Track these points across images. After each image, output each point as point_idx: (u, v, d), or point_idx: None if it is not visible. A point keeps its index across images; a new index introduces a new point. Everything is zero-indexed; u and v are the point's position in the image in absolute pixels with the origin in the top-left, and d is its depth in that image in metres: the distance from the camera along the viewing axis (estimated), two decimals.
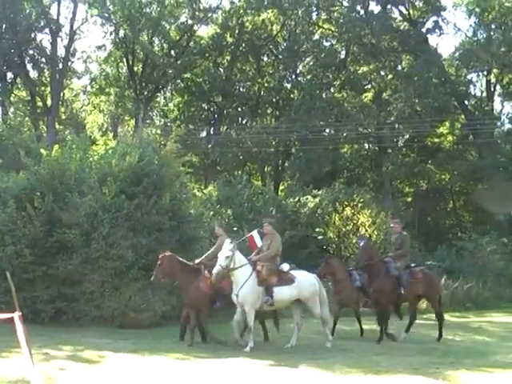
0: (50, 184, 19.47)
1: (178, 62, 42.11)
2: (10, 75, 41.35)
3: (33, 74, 41.42)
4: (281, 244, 15.47)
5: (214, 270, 14.67)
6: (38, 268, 18.11)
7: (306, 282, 15.23)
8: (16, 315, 8.20)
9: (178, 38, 42.85)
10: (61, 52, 40.09)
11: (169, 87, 45.11)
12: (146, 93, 42.45)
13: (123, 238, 18.29)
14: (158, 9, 40.65)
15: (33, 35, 40.00)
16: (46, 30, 40.06)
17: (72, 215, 18.71)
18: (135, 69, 42.67)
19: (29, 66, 40.62)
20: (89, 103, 45.99)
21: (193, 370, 11.98)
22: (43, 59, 40.31)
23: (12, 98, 40.06)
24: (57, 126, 39.12)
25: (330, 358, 13.30)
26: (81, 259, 18.18)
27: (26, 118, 30.52)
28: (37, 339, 7.10)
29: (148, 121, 41.36)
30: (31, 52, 40.23)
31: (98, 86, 43.81)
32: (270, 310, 15.37)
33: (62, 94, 41.17)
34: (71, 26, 39.61)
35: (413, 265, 17.15)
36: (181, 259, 15.90)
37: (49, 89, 40.71)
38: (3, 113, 35.58)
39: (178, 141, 22.49)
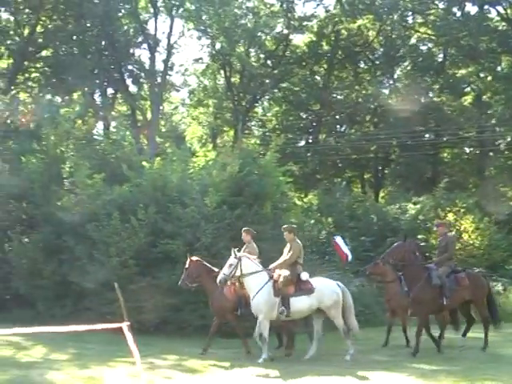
0: (152, 196, 19.80)
1: (275, 71, 42.26)
2: (110, 91, 42.36)
3: (132, 88, 42.28)
4: (301, 251, 14.92)
5: (218, 278, 14.54)
6: (143, 278, 18.38)
7: (327, 290, 14.64)
8: (124, 325, 8.27)
9: (274, 47, 43.01)
10: (159, 66, 40.79)
11: (266, 97, 45.28)
12: (244, 103, 42.75)
13: (225, 248, 18.36)
14: (254, 20, 40.89)
15: (131, 51, 40.81)
16: (144, 46, 40.82)
17: (175, 226, 18.94)
18: (232, 80, 43.03)
19: (128, 81, 41.46)
20: (188, 115, 46.63)
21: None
22: (142, 74, 41.03)
23: (113, 113, 40.94)
24: (157, 139, 39.77)
25: (435, 367, 12.97)
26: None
27: (127, 132, 30.96)
28: (142, 348, 7.20)
29: (247, 131, 41.57)
30: (130, 67, 41.01)
31: (196, 99, 44.41)
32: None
33: (161, 108, 41.87)
34: (168, 41, 40.23)
35: (459, 269, 15.97)
36: (207, 265, 15.70)
37: (148, 103, 41.44)
38: (105, 127, 36.35)
39: (277, 150, 22.43)
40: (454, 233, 16.73)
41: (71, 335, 15.37)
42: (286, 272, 14.45)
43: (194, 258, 15.86)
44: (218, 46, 41.65)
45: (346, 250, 20.99)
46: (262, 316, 14.33)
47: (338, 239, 20.36)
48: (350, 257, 21.06)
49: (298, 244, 14.86)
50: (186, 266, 15.68)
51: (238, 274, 14.47)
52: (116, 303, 15.33)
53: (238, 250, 14.89)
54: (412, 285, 15.09)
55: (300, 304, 14.39)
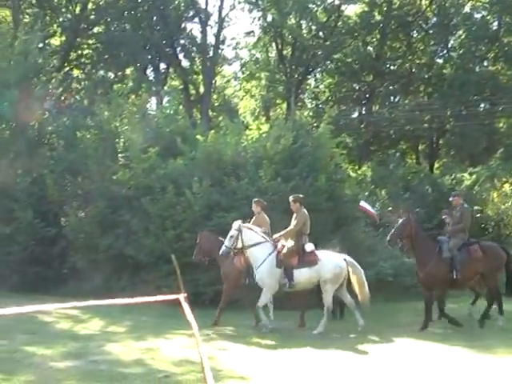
0: (207, 169, 19.86)
1: (327, 43, 41.85)
2: (162, 66, 42.48)
3: (185, 63, 42.32)
4: (307, 221, 14.62)
5: (220, 251, 14.57)
6: None
7: (329, 263, 14.28)
8: (181, 296, 8.27)
9: (325, 19, 42.57)
10: (211, 40, 40.75)
11: (319, 69, 44.90)
12: (296, 76, 42.49)
13: (280, 220, 18.32)
14: None
15: (183, 25, 40.83)
16: (196, 20, 40.82)
17: (229, 199, 18.96)
18: (284, 52, 42.77)
19: (180, 56, 41.53)
20: (240, 89, 46.52)
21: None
22: (194, 48, 41.05)
23: (166, 88, 41.06)
24: (210, 113, 39.83)
25: (488, 340, 12.73)
26: None
27: (180, 107, 31.08)
28: (198, 321, 7.24)
29: (299, 103, 41.34)
30: (182, 42, 41.03)
31: (248, 72, 44.25)
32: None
33: (213, 82, 41.86)
34: (220, 14, 40.11)
35: (473, 240, 15.16)
36: (218, 237, 15.51)
37: (201, 77, 41.44)
38: (158, 102, 36.47)
39: (330, 122, 22.28)
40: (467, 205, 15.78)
41: (128, 308, 15.70)
42: (290, 243, 14.41)
43: (205, 232, 16.09)
44: (269, 18, 41.35)
45: (372, 210, 20.92)
46: (265, 287, 14.36)
47: (362, 203, 20.23)
48: (377, 219, 21.06)
49: (303, 214, 14.63)
50: (197, 241, 15.84)
51: (239, 245, 14.44)
52: (172, 276, 15.58)
53: (243, 222, 14.85)
54: (424, 259, 14.72)
55: (301, 276, 14.26)
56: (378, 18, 42.84)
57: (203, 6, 39.93)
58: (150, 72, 41.36)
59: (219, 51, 41.56)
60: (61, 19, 37.81)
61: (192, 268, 17.80)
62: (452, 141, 41.07)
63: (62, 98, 33.39)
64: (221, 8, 40.00)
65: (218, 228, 18.77)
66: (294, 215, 14.73)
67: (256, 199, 15.88)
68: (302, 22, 42.46)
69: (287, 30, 40.88)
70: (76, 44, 37.58)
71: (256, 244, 14.47)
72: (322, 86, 45.92)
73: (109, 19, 37.63)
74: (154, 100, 36.98)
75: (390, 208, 24.95)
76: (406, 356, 11.12)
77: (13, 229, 21.55)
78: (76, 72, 39.06)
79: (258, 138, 21.62)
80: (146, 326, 14.44)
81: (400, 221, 15.03)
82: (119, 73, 39.14)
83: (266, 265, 14.30)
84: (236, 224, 14.64)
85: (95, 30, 38.96)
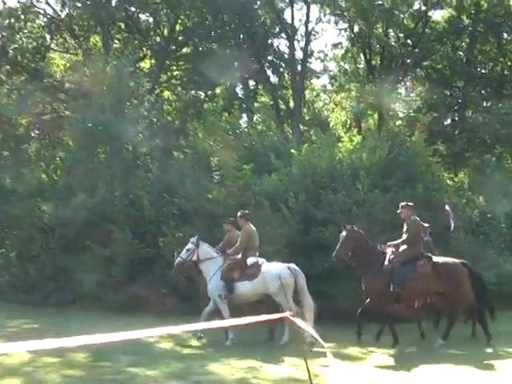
0: (302, 183, 19.76)
1: (416, 50, 41.23)
2: (251, 82, 42.61)
3: (273, 78, 42.34)
4: (252, 236, 15.41)
5: (175, 262, 15.89)
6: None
7: (270, 276, 14.76)
8: (288, 314, 8.22)
9: (413, 25, 41.97)
10: (298, 54, 40.65)
11: (409, 77, 44.30)
12: (386, 85, 42.01)
13: (380, 232, 18.06)
14: None
15: (270, 41, 40.89)
16: (283, 35, 40.81)
17: (326, 212, 18.78)
18: (373, 62, 42.35)
19: (269, 72, 41.52)
20: (330, 101, 46.32)
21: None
22: (282, 63, 41.03)
23: (256, 104, 41.17)
24: (301, 127, 39.70)
25: None
26: None
27: (272, 122, 31.11)
28: (299, 337, 7.07)
29: (391, 113, 40.85)
30: (270, 58, 41.07)
31: (337, 84, 44.01)
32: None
33: (303, 95, 41.74)
34: (306, 28, 39.96)
35: (427, 255, 14.38)
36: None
37: (290, 91, 41.40)
38: (249, 119, 36.60)
39: (424, 130, 21.94)
40: (415, 217, 14.82)
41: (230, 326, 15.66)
42: (234, 257, 15.32)
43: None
44: (356, 29, 41.07)
45: (452, 216, 20.39)
46: (216, 299, 15.26)
47: (447, 207, 19.78)
48: (452, 226, 20.41)
49: (247, 229, 15.44)
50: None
51: (194, 258, 15.64)
52: None
53: (199, 238, 15.92)
54: (365, 271, 14.41)
55: (243, 288, 14.98)
56: (467, 21, 41.95)
57: (289, 21, 39.88)
58: (239, 89, 41.57)
59: (307, 65, 41.43)
60: (150, 42, 38.40)
61: None
62: None
63: (155, 119, 33.92)
64: (307, 22, 39.88)
65: (316, 243, 18.66)
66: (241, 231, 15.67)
67: (227, 219, 16.78)
68: (389, 30, 41.96)
69: (375, 39, 40.50)
70: (166, 66, 38.08)
71: (209, 258, 15.60)
72: (412, 94, 45.28)
73: (196, 39, 38.00)
74: (245, 117, 37.13)
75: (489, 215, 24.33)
76: None
77: (111, 250, 21.89)
78: (167, 93, 39.58)
79: (352, 150, 21.40)
80: (247, 344, 14.39)
81: (343, 234, 14.73)
82: (209, 92, 39.47)
83: (214, 278, 15.31)
84: (194, 238, 15.86)
85: (184, 51, 39.40)
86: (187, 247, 15.80)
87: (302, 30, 40.22)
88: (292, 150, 21.34)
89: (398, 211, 14.97)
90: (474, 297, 14.35)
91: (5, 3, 36.09)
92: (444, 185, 23.34)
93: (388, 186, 19.19)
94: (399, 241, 14.53)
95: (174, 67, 39.32)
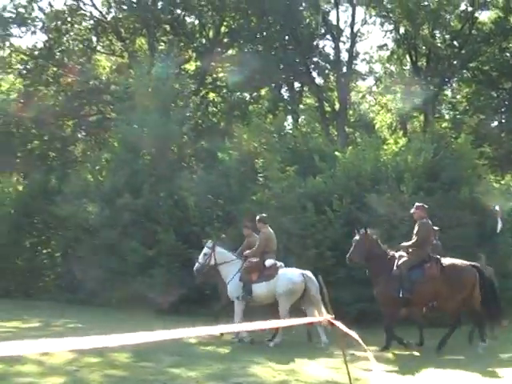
0: (346, 186, 19.67)
1: (462, 51, 40.80)
2: (297, 84, 42.54)
3: (319, 80, 42.21)
4: (270, 239, 15.59)
5: (194, 267, 16.20)
6: (340, 270, 18.22)
7: (283, 278, 14.98)
8: (328, 318, 8.17)
9: (459, 27, 41.54)
10: (343, 56, 40.51)
11: (455, 78, 43.83)
12: (432, 87, 41.61)
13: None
14: (436, 0, 39.67)
15: (315, 43, 40.77)
16: (328, 36, 40.67)
17: (370, 215, 18.67)
18: (419, 64, 42.00)
19: (314, 73, 41.39)
20: (376, 103, 46.09)
21: None
22: (327, 65, 40.88)
23: (301, 106, 41.11)
24: (346, 129, 39.53)
25: None
26: None
27: (317, 124, 31.11)
28: (341, 340, 7.10)
29: (437, 115, 40.48)
30: (315, 59, 40.95)
31: (383, 86, 43.76)
32: None
33: (348, 97, 41.57)
34: (351, 30, 39.80)
35: (435, 257, 14.03)
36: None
37: (335, 93, 41.26)
38: (294, 121, 36.56)
39: (470, 132, 21.70)
40: (427, 220, 14.52)
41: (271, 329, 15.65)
42: (253, 260, 15.42)
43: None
44: (401, 30, 40.78)
45: (500, 220, 20.06)
46: (235, 301, 15.47)
47: (498, 207, 19.45)
48: (499, 227, 20.02)
49: (265, 233, 15.63)
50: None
51: (212, 262, 15.91)
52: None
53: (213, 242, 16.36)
54: (376, 277, 14.31)
55: (259, 290, 15.18)
56: None
57: (335, 23, 39.78)
58: (284, 91, 41.55)
59: (353, 66, 41.26)
60: (195, 44, 38.55)
61: (334, 287, 17.60)
62: None
63: (200, 121, 34.04)
64: (352, 23, 39.74)
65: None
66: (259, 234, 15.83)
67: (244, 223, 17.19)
68: (435, 31, 41.58)
69: (421, 40, 40.16)
70: (211, 68, 38.20)
71: (227, 261, 15.81)
72: (459, 96, 44.78)
73: (242, 41, 38.06)
74: (290, 119, 37.11)
75: None
76: None
77: (156, 251, 22.01)
78: (212, 95, 39.71)
79: (397, 152, 21.25)
80: (289, 346, 14.35)
81: (356, 238, 14.70)
82: (254, 93, 39.50)
83: (234, 280, 15.53)
84: (209, 243, 16.16)
85: (229, 52, 39.49)
86: (204, 252, 16.09)
87: (347, 32, 40.12)
88: (336, 153, 21.24)
89: (412, 211, 14.84)
90: (482, 301, 14.00)
91: (51, 6, 36.57)
92: (490, 188, 23.04)
93: (433, 188, 19.02)
94: (409, 243, 14.38)
95: (220, 69, 39.40)
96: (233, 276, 15.58)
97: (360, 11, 42.03)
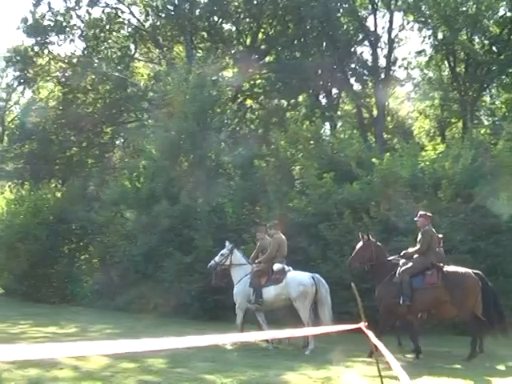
0: (383, 192, 19.55)
1: (501, 56, 40.39)
2: (334, 91, 42.44)
3: (356, 86, 42.09)
4: (281, 245, 15.96)
5: (209, 264, 16.64)
6: None
7: (293, 282, 15.16)
8: (362, 325, 8.12)
9: (498, 32, 41.14)
10: (381, 62, 40.32)
11: (494, 84, 43.39)
12: (470, 93, 41.27)
13: (462, 242, 17.75)
14: (475, 5, 39.31)
15: (353, 49, 40.65)
16: (365, 42, 40.53)
17: (408, 222, 18.52)
18: (457, 70, 41.64)
19: (352, 80, 41.28)
20: (414, 110, 45.78)
21: None
22: (365, 71, 40.74)
23: (339, 113, 41.01)
24: (384, 136, 39.32)
25: None
26: None
27: (354, 131, 30.99)
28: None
29: (475, 121, 40.09)
30: (353, 65, 40.83)
31: (421, 92, 43.46)
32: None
33: (386, 104, 41.36)
34: (389, 35, 39.60)
35: (438, 265, 13.91)
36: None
37: (373, 99, 41.08)
38: (332, 127, 36.47)
39: (510, 139, 21.43)
40: (430, 227, 14.32)
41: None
42: (262, 265, 15.84)
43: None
44: (440, 35, 40.46)
45: None
46: (237, 305, 15.94)
47: None
48: None
49: (276, 239, 16.03)
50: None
51: (227, 263, 16.29)
52: (351, 302, 15.30)
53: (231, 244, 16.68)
54: (378, 283, 14.42)
55: (268, 294, 15.46)
56: None
57: (372, 29, 39.63)
58: (322, 98, 41.45)
59: (391, 72, 41.05)
60: (232, 51, 38.66)
61: (372, 294, 17.51)
62: None
63: (237, 128, 34.08)
64: (390, 29, 39.54)
65: (397, 253, 18.41)
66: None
67: (259, 227, 17.87)
68: (473, 37, 41.21)
69: (459, 46, 39.81)
70: (248, 74, 38.26)
71: (240, 264, 16.24)
72: (498, 102, 44.32)
73: (279, 48, 38.08)
74: (327, 125, 37.01)
75: None
76: None
77: (193, 258, 22.06)
78: (249, 102, 39.77)
79: (434, 159, 21.07)
80: (324, 354, 14.28)
81: (359, 244, 14.72)
82: (292, 100, 39.46)
83: (241, 284, 15.90)
84: (229, 245, 16.56)
85: (266, 59, 39.51)
86: (222, 252, 16.54)
87: (385, 38, 39.90)
88: (373, 159, 21.12)
89: (415, 219, 14.74)
90: (483, 310, 13.77)
91: (90, 14, 36.91)
92: None
93: (471, 195, 18.84)
94: (413, 250, 14.38)
95: (257, 76, 39.45)
96: (240, 279, 16.00)
97: (398, 16, 41.79)
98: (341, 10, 38.38)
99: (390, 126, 42.85)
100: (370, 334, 7.99)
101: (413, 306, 13.90)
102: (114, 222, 24.64)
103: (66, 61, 37.92)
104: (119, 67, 36.81)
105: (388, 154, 21.52)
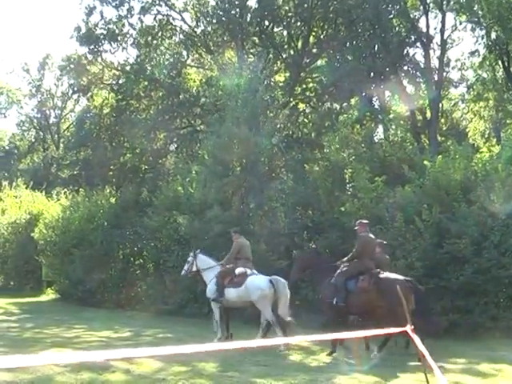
0: (435, 195, 19.39)
1: None
2: (387, 93, 42.17)
3: (409, 88, 41.76)
4: (242, 248, 17.01)
5: (181, 273, 18.41)
6: (430, 280, 17.97)
7: (252, 286, 16.15)
8: (408, 328, 8.14)
9: None
10: (434, 63, 39.93)
11: None
12: None
13: None
14: None
15: (405, 51, 40.34)
16: (418, 44, 40.19)
17: (461, 225, 18.36)
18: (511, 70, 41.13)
19: (405, 82, 40.98)
20: (468, 111, 45.25)
21: None
22: (418, 73, 40.42)
23: (391, 115, 40.76)
24: (438, 138, 38.95)
25: None
26: (472, 270, 17.78)
27: (408, 133, 30.77)
28: (430, 352, 7.03)
29: None
30: (405, 68, 40.54)
31: (475, 93, 42.96)
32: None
33: (440, 105, 40.97)
34: (442, 36, 39.19)
35: (376, 270, 14.47)
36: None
37: (427, 101, 40.73)
38: (385, 130, 36.27)
39: None
40: (366, 233, 15.01)
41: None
42: (226, 267, 16.97)
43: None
44: (493, 35, 39.95)
45: None
46: (211, 302, 17.11)
47: None
48: None
49: (238, 243, 17.17)
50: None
51: (194, 269, 17.69)
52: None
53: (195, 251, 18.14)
54: (319, 286, 15.55)
55: (230, 294, 16.57)
56: None
57: (424, 30, 39.30)
58: (374, 100, 41.20)
59: (444, 74, 40.65)
60: (284, 55, 38.69)
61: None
62: None
63: (290, 132, 34.08)
64: (442, 30, 39.14)
65: (450, 256, 18.27)
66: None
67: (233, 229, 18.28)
68: None
69: None
70: (300, 78, 38.26)
71: (208, 268, 17.40)
72: None
73: (331, 51, 37.98)
74: (380, 128, 36.82)
75: None
76: None
77: None
78: (302, 106, 39.74)
79: (488, 161, 20.82)
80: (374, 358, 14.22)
81: (298, 257, 17.19)
82: (344, 103, 39.32)
83: (211, 284, 17.05)
84: (192, 252, 18.11)
85: (318, 63, 39.45)
86: (187, 259, 18.03)
87: (437, 39, 39.52)
88: (425, 162, 20.95)
89: (355, 228, 15.50)
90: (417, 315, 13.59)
91: (142, 21, 37.32)
92: None
93: None
94: (349, 256, 15.14)
95: (309, 79, 39.43)
96: (210, 280, 17.15)
97: (450, 17, 41.41)
98: (392, 12, 38.14)
99: (444, 128, 42.43)
100: (415, 338, 7.98)
101: (348, 307, 14.64)
102: (167, 227, 24.85)
103: (119, 68, 38.45)
104: (171, 73, 37.11)
105: (440, 156, 21.35)
